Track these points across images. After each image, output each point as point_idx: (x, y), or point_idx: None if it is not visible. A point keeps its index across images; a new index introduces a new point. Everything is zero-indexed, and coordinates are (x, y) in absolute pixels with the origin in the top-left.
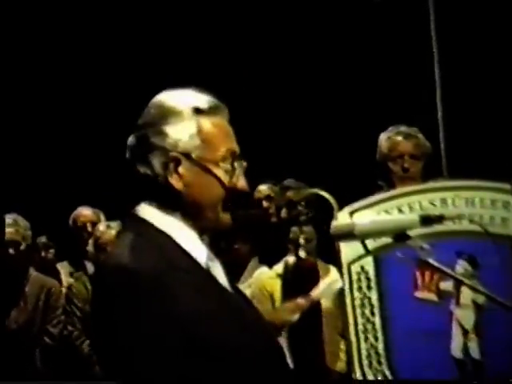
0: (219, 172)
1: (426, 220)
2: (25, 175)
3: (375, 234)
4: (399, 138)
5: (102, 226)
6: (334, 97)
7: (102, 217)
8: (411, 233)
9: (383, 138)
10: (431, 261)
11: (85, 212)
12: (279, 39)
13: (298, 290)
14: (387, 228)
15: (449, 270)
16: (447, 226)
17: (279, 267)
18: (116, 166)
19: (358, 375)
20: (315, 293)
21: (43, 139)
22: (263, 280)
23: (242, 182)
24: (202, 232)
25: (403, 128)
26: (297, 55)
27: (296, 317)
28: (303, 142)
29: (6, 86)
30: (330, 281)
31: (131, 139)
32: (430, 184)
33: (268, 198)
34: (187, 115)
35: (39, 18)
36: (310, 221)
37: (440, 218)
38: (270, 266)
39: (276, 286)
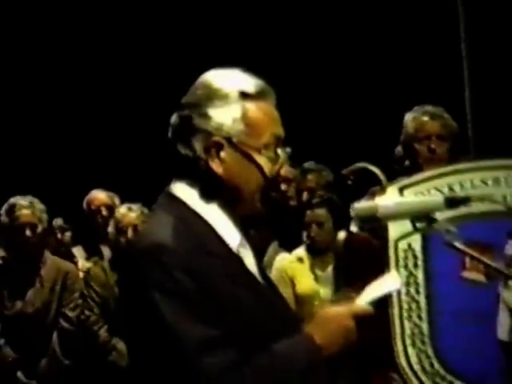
0: (261, 159)
1: (452, 202)
2: (40, 157)
3: (399, 216)
4: (426, 118)
5: (122, 209)
6: (357, 76)
7: (117, 200)
8: (465, 212)
9: (409, 118)
10: (458, 244)
11: (99, 195)
12: (299, 30)
13: (351, 268)
14: (411, 210)
15: (475, 254)
16: (498, 205)
17: (300, 251)
18: (133, 149)
19: (401, 354)
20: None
21: (59, 121)
22: (284, 264)
23: (284, 170)
24: (238, 217)
25: (429, 108)
26: (317, 39)
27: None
28: (324, 121)
29: (19, 71)
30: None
31: (174, 118)
32: (484, 162)
33: (286, 180)
34: (233, 99)
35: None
36: (322, 203)
37: (466, 200)
38: (289, 249)
39: (296, 271)
